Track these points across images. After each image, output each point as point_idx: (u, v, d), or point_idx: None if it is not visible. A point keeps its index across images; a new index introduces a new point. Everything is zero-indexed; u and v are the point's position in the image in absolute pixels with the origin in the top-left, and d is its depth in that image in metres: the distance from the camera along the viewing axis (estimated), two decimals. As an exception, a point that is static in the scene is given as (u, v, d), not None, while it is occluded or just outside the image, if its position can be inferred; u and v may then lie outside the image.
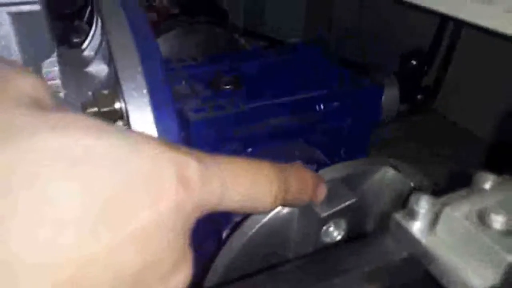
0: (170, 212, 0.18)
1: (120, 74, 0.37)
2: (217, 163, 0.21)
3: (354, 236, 0.42)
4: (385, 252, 0.27)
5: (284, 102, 0.53)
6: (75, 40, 0.56)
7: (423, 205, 0.26)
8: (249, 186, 0.23)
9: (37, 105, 0.18)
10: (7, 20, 0.35)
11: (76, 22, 0.57)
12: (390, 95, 0.63)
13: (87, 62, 0.45)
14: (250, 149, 0.56)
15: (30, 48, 0.38)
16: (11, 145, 0.15)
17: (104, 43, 0.47)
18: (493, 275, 0.23)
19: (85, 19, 0.58)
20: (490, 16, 0.34)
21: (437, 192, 0.43)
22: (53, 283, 0.15)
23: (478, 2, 0.33)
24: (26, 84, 0.19)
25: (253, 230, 0.40)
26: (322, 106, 0.55)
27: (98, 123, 0.17)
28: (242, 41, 0.89)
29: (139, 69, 0.38)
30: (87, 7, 0.58)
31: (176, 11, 1.20)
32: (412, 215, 0.27)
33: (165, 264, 0.18)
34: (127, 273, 0.17)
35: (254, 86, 0.56)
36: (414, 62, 1.10)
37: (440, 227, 0.26)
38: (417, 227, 0.26)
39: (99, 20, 0.49)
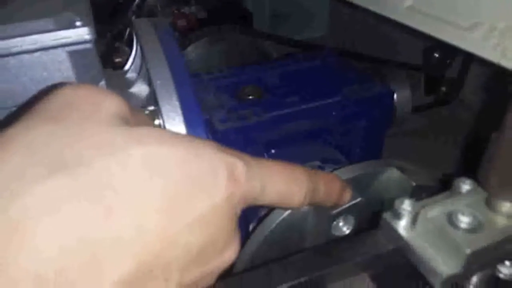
0: (223, 202, 0.24)
1: (158, 96, 0.45)
2: (259, 165, 0.27)
3: (364, 229, 0.48)
4: (376, 245, 0.34)
5: (301, 110, 0.59)
6: (117, 60, 0.64)
7: (406, 207, 0.32)
8: (284, 186, 0.28)
9: (123, 122, 0.24)
10: (66, 57, 0.43)
11: (117, 44, 0.65)
12: (402, 97, 0.68)
13: (130, 83, 0.53)
14: (273, 151, 0.63)
15: (85, 76, 0.46)
16: (112, 158, 0.21)
17: (144, 65, 0.54)
18: (457, 265, 0.29)
19: (124, 40, 0.66)
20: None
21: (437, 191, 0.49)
22: (143, 259, 0.21)
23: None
24: (113, 105, 0.24)
25: (274, 225, 0.47)
26: (336, 112, 0.61)
27: (169, 135, 0.23)
28: (267, 46, 0.95)
29: (174, 94, 0.46)
30: (125, 29, 0.65)
31: (204, 15, 1.26)
32: (397, 215, 0.32)
33: (220, 241, 0.24)
34: (194, 250, 0.23)
35: (275, 95, 0.62)
36: (437, 55, 1.13)
37: (418, 225, 0.32)
38: (400, 225, 0.32)
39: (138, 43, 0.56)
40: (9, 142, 0.21)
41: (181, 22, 1.21)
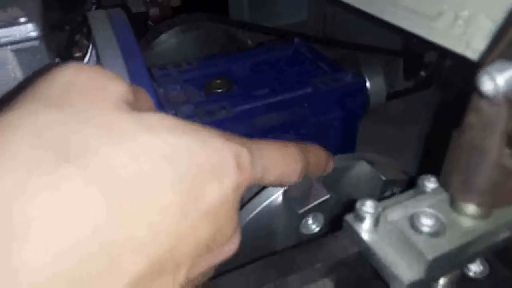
0: (232, 191, 0.23)
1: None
2: (259, 149, 0.27)
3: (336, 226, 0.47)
4: (339, 249, 0.32)
5: (271, 103, 0.57)
6: (77, 54, 0.61)
7: (367, 209, 0.30)
8: (282, 166, 0.30)
9: (132, 107, 0.23)
10: (12, 56, 0.40)
11: (77, 37, 0.62)
12: (375, 85, 0.66)
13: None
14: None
15: (34, 76, 0.43)
16: (120, 145, 0.20)
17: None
18: (419, 270, 0.27)
19: (84, 33, 0.63)
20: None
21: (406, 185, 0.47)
22: (155, 258, 0.20)
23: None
24: (119, 88, 0.23)
25: (243, 224, 0.45)
26: (308, 103, 0.59)
27: (177, 122, 0.22)
28: (243, 36, 0.92)
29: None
30: (85, 22, 0.62)
31: (178, 3, 1.23)
32: (359, 218, 0.31)
33: (228, 230, 0.24)
34: (203, 243, 0.23)
35: (244, 88, 0.60)
36: (416, 40, 1.11)
37: (380, 228, 0.30)
38: (362, 228, 0.31)
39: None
40: (12, 129, 0.19)
41: (154, 11, 1.17)
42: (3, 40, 0.39)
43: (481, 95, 0.20)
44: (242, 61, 0.66)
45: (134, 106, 0.23)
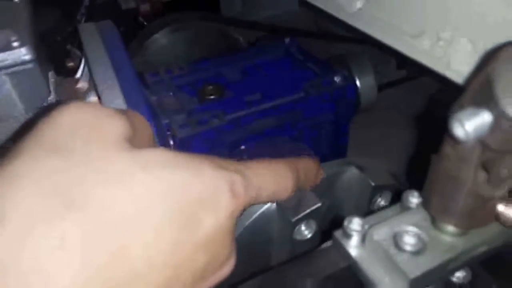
0: (226, 219, 0.25)
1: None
2: (252, 173, 0.29)
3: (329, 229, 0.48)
4: (328, 262, 0.34)
5: (263, 109, 0.58)
6: (70, 64, 0.61)
7: (354, 227, 0.32)
8: (275, 186, 0.32)
9: (127, 142, 0.24)
10: (7, 80, 0.41)
11: (68, 46, 0.62)
12: (366, 85, 0.67)
13: (82, 94, 0.51)
14: (242, 147, 0.62)
15: (30, 97, 0.44)
16: (118, 187, 0.21)
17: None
18: (402, 287, 0.29)
19: (76, 42, 0.63)
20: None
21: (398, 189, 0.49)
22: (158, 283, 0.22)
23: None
24: (119, 127, 0.24)
25: (241, 230, 0.47)
26: (300, 108, 0.60)
27: (171, 156, 0.24)
28: (233, 31, 0.92)
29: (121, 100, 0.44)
30: (76, 33, 0.62)
31: (168, -1, 1.21)
32: (346, 234, 0.33)
33: (224, 256, 0.26)
34: (200, 269, 0.24)
35: (236, 93, 0.61)
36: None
37: (367, 245, 0.32)
38: (350, 244, 0.32)
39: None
40: (18, 178, 0.21)
41: (145, 7, 1.16)
42: (-2, 65, 0.40)
43: (453, 139, 0.21)
44: (233, 64, 0.66)
45: (132, 140, 0.25)
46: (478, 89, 0.21)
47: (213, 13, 0.99)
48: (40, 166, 0.21)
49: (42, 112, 0.24)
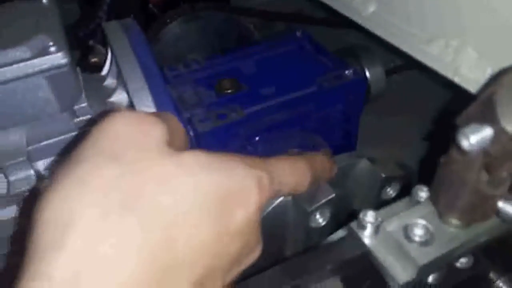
0: (255, 211, 0.29)
1: (137, 108, 0.47)
2: (275, 170, 0.33)
3: (342, 218, 0.52)
4: (344, 252, 0.38)
5: (278, 103, 0.61)
6: (93, 60, 0.64)
7: (368, 219, 0.36)
8: (294, 180, 0.35)
9: (169, 146, 0.28)
10: (45, 83, 0.44)
11: (91, 42, 0.65)
12: (375, 75, 0.70)
13: (110, 91, 0.54)
14: (257, 138, 0.66)
15: (65, 96, 0.47)
16: (166, 190, 0.25)
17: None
18: (412, 273, 0.33)
19: (98, 38, 0.66)
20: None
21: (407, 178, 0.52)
22: (200, 277, 0.26)
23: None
24: (161, 132, 0.28)
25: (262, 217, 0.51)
26: (313, 101, 0.63)
27: (209, 160, 0.27)
28: (246, 22, 0.94)
29: (151, 104, 0.48)
30: (98, 27, 0.65)
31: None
32: (361, 226, 0.36)
33: (253, 242, 0.30)
34: (234, 256, 0.28)
35: (252, 86, 0.64)
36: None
37: (380, 235, 0.36)
38: (365, 234, 0.36)
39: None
40: (84, 184, 0.24)
41: (157, -3, 1.17)
42: (37, 69, 0.43)
43: (460, 149, 0.25)
44: (248, 58, 0.69)
45: (171, 143, 0.28)
46: (482, 106, 0.24)
47: (224, 3, 1.01)
48: (102, 173, 0.25)
49: (94, 120, 0.27)
